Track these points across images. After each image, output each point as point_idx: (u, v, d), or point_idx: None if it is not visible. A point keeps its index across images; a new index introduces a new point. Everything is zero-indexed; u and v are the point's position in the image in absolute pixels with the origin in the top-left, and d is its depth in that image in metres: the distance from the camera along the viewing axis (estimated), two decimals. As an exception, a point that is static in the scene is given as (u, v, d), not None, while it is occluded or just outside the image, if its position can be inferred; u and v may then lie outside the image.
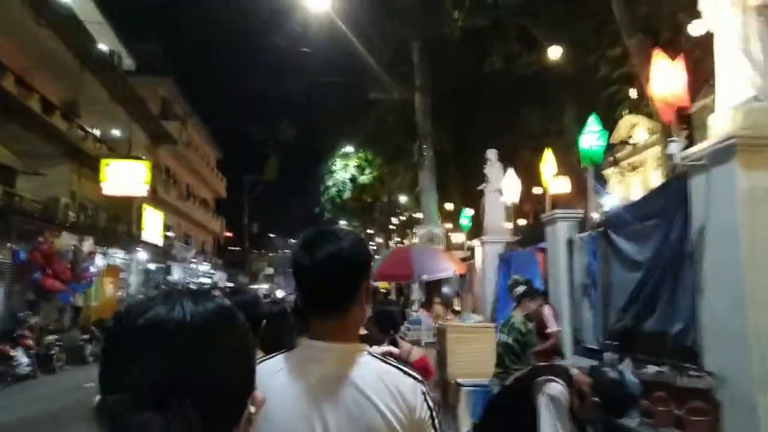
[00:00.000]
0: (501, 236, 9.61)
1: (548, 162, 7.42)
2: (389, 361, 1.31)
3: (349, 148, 22.73)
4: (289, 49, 14.90)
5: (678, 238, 4.26)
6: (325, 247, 1.30)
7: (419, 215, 22.16)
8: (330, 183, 23.10)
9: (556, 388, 3.29)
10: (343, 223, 39.41)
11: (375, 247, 37.60)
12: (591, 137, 6.18)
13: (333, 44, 13.67)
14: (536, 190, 14.56)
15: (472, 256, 12.72)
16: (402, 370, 1.29)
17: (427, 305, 11.75)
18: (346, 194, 23.08)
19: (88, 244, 13.69)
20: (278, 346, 1.47)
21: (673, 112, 4.53)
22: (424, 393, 1.25)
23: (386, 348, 3.24)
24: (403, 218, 31.02)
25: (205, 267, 35.88)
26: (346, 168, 23.09)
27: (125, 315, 0.71)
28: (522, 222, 15.83)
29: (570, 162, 9.16)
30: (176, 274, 31.56)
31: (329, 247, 1.30)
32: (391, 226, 32.76)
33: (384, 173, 22.02)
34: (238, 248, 50.89)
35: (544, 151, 8.19)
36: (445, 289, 13.22)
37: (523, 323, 4.74)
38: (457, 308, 12.81)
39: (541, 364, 3.63)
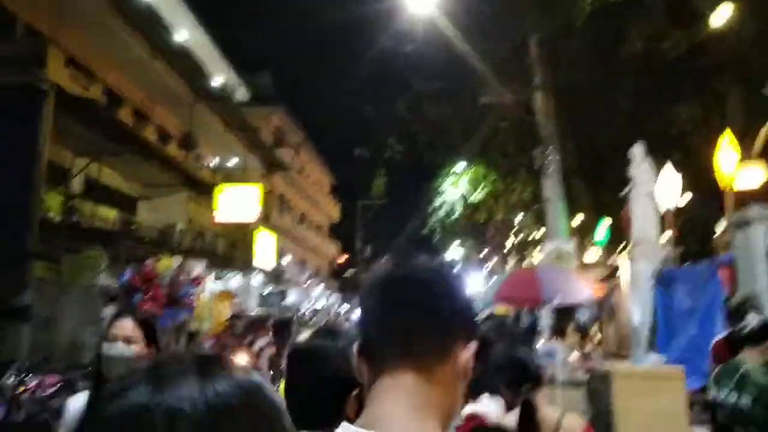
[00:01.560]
0: (655, 250, 7.78)
1: (726, 149, 5.63)
2: None
3: (458, 167, 21.39)
4: (394, 60, 14.03)
5: None
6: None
7: (539, 233, 20.15)
8: (438, 203, 21.82)
9: None
10: (455, 244, 38.03)
11: (489, 269, 35.61)
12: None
13: (436, 49, 12.59)
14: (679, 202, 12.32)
15: (611, 276, 10.84)
16: None
17: (559, 334, 10.04)
18: (456, 214, 21.64)
19: (198, 269, 13.59)
20: None
21: None
22: None
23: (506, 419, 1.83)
24: (519, 238, 29.01)
25: (318, 291, 36.09)
26: (456, 184, 21.72)
27: (99, 399, 0.53)
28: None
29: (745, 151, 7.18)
30: (291, 298, 31.85)
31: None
32: (505, 249, 30.77)
33: (498, 189, 20.36)
34: (352, 271, 51.16)
35: (695, 150, 6.39)
36: (580, 315, 11.38)
37: None
38: (597, 338, 10.94)
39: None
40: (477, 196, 21.53)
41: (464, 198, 21.76)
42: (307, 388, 1.21)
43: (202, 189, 20.03)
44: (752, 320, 3.08)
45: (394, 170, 20.71)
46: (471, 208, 22.23)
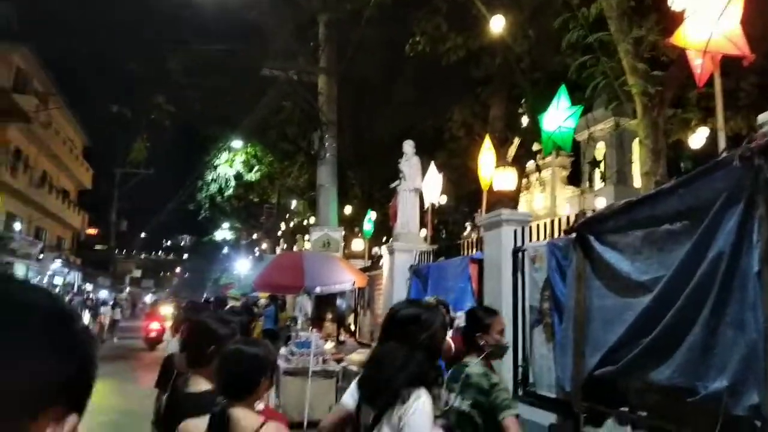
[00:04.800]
0: (415, 244, 7.98)
1: (487, 152, 5.87)
2: None
3: (236, 143, 20.22)
4: (170, 10, 12.40)
5: (732, 249, 2.80)
6: None
7: (311, 220, 20.13)
8: (210, 178, 20.35)
9: None
10: (225, 225, 36.33)
11: (258, 254, 34.86)
12: (558, 116, 4.66)
13: (219, 8, 11.44)
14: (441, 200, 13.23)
15: (374, 267, 11.05)
16: None
17: (317, 323, 9.85)
18: (229, 192, 20.44)
19: None
20: None
21: (715, 63, 3.08)
22: None
23: None
24: (292, 224, 28.87)
25: (56, 265, 31.12)
26: (231, 163, 20.49)
27: None
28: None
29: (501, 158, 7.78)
30: (19, 272, 26.86)
31: None
32: (278, 233, 30.40)
33: (275, 172, 19.77)
34: (103, 247, 45.53)
35: (459, 154, 6.69)
36: (339, 303, 11.40)
37: (486, 376, 2.88)
38: (353, 328, 11.04)
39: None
40: (252, 176, 20.63)
41: (239, 176, 20.69)
42: None
43: None
44: (457, 321, 3.03)
45: (160, 136, 18.62)
46: (245, 188, 21.26)
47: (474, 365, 2.95)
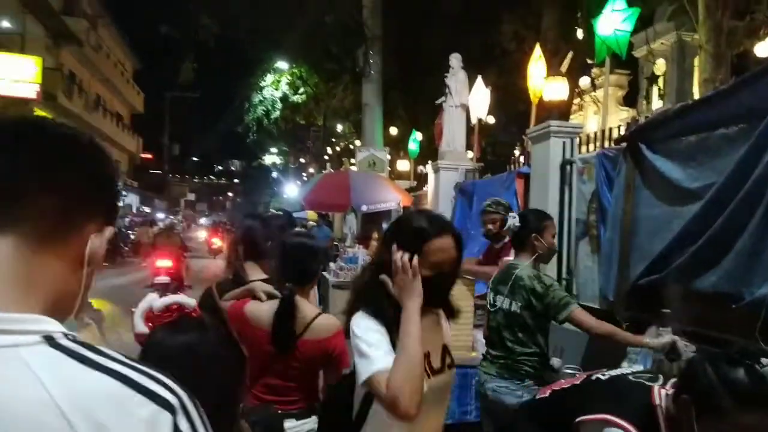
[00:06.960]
0: (461, 162, 7.93)
1: (537, 62, 5.65)
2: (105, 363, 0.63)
3: (281, 64, 20.08)
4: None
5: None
6: None
7: (357, 143, 20.18)
8: (257, 100, 20.43)
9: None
10: (273, 150, 36.82)
11: (306, 178, 35.40)
12: (613, 18, 4.42)
13: None
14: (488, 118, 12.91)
15: (419, 187, 11.10)
16: (133, 383, 0.62)
17: (364, 241, 10.09)
18: (276, 114, 20.54)
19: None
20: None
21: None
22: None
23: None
24: (338, 148, 28.97)
25: (116, 188, 32.54)
26: (276, 85, 20.46)
27: None
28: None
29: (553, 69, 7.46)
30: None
31: None
32: (325, 156, 30.64)
33: (320, 92, 19.67)
34: (157, 171, 47.23)
35: (509, 70, 6.40)
36: (386, 225, 11.61)
37: (538, 278, 2.91)
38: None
39: (593, 375, 1.91)
40: (298, 98, 20.61)
41: (285, 98, 20.70)
42: None
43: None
44: (511, 221, 3.04)
45: (207, 57, 18.68)
46: (291, 110, 21.31)
47: (524, 268, 2.97)
